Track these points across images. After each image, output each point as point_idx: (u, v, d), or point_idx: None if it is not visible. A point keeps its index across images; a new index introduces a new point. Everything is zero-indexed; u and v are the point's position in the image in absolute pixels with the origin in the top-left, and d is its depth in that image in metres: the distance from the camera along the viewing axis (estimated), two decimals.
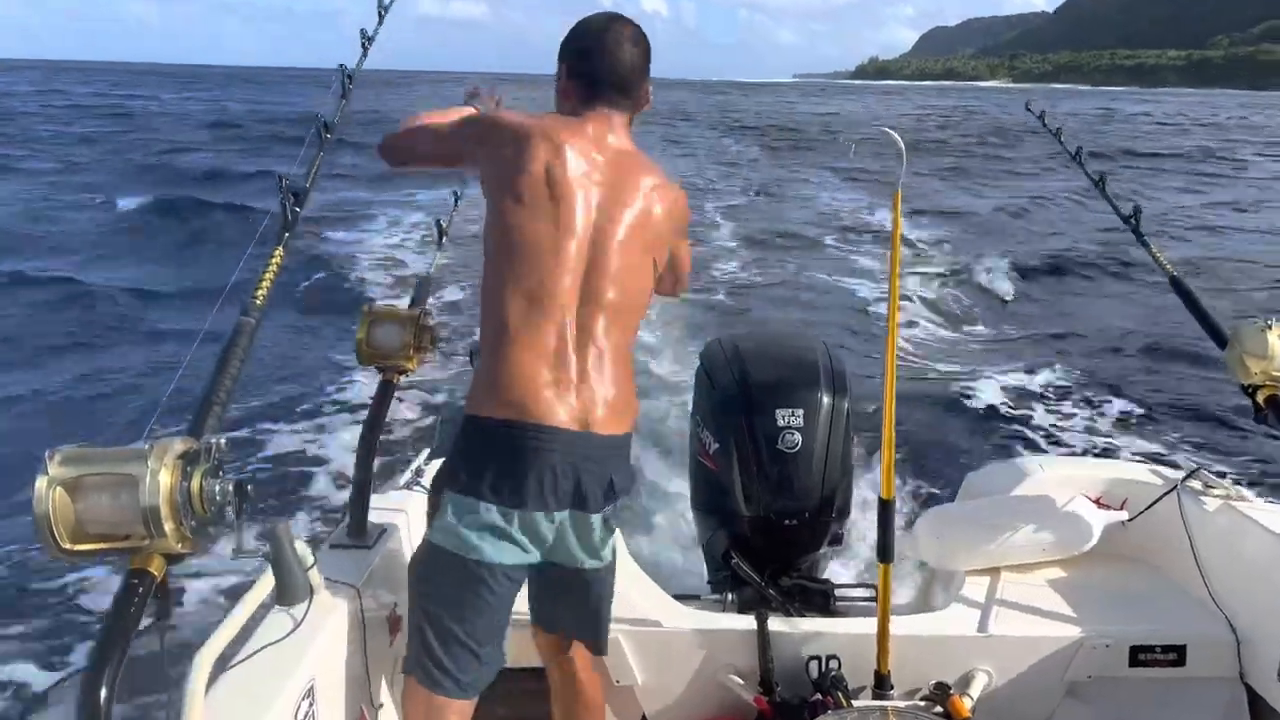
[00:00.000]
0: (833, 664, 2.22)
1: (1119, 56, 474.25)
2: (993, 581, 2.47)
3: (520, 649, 2.07)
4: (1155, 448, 6.69)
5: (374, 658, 2.00)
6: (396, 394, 2.29)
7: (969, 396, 7.71)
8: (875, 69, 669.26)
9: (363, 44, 2.38)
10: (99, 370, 7.95)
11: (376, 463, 2.24)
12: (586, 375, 1.78)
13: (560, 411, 1.74)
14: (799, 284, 12.14)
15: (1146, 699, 2.30)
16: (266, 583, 1.68)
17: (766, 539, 2.58)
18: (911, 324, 9.82)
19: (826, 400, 2.60)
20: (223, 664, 1.59)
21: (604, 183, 1.86)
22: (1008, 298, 11.43)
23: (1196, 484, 2.55)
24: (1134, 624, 2.32)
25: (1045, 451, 6.47)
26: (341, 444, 6.29)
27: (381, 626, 2.06)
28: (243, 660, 1.65)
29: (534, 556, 1.80)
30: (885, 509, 2.14)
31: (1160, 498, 2.56)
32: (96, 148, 26.58)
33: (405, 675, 1.86)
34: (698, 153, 29.54)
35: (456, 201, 2.82)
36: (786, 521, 2.55)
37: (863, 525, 3.05)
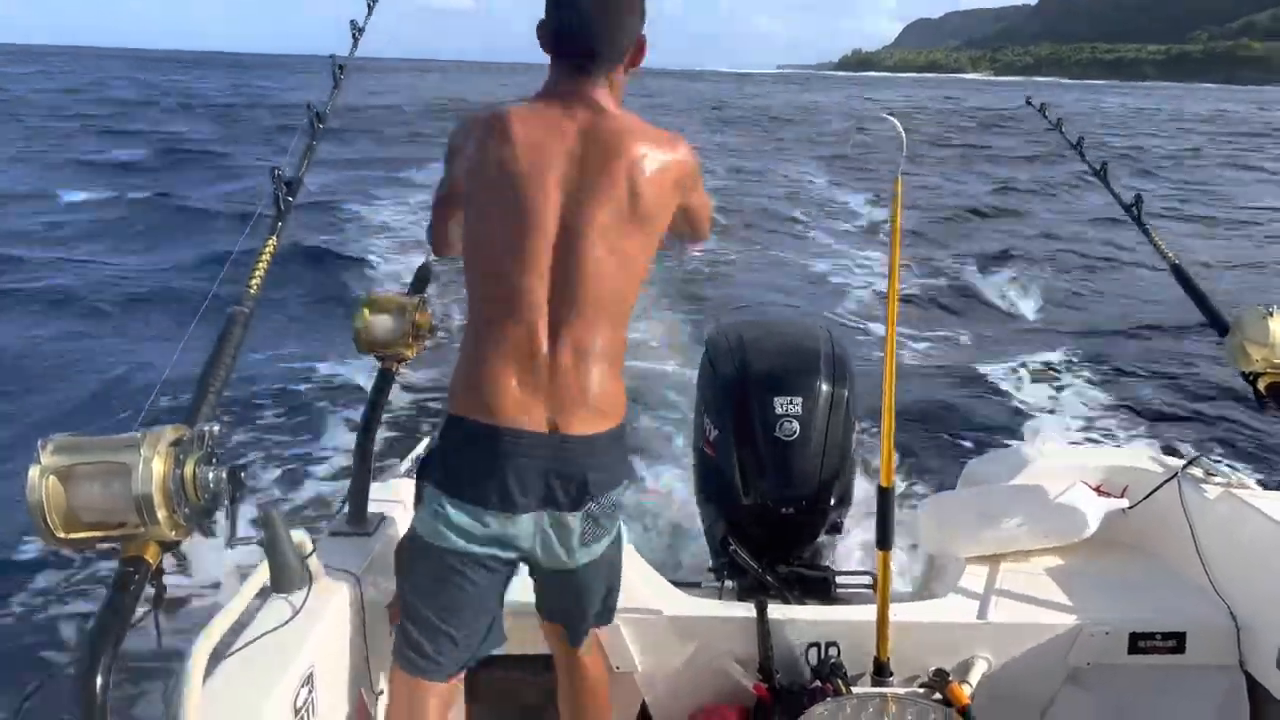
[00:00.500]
0: (832, 651, 2.22)
1: (1099, 50, 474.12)
2: (993, 569, 2.47)
3: (527, 636, 2.08)
4: (1156, 435, 6.68)
5: (374, 645, 2.00)
6: (396, 382, 2.29)
7: (969, 384, 7.70)
8: (858, 60, 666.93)
9: (353, 34, 2.36)
10: (92, 361, 7.93)
11: (376, 451, 2.24)
12: (559, 375, 1.74)
13: (528, 414, 1.73)
14: (796, 271, 12.14)
15: (1146, 686, 2.30)
16: (263, 571, 1.67)
17: (764, 527, 2.58)
18: (911, 311, 9.80)
19: (826, 388, 2.59)
20: (220, 652, 1.58)
21: (574, 166, 1.75)
22: (1008, 288, 11.40)
23: (1197, 471, 2.54)
24: (1134, 611, 2.32)
25: (1046, 439, 6.46)
26: (341, 432, 6.29)
27: (382, 614, 2.06)
28: (241, 648, 1.65)
29: (511, 554, 1.81)
30: (884, 496, 2.14)
31: (1161, 485, 2.55)
32: (75, 132, 26.47)
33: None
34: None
35: None
36: (784, 510, 2.54)
37: (863, 513, 3.04)
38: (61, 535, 1.25)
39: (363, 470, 2.22)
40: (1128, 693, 2.29)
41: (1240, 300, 2.63)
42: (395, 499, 2.37)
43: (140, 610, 1.27)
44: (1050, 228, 16.04)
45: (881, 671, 2.13)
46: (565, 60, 1.82)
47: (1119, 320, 10.10)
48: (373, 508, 2.24)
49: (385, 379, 2.26)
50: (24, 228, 13.69)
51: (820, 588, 2.58)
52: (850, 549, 3.63)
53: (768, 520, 2.56)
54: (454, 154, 1.86)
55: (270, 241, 1.85)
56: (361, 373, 7.11)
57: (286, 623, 1.72)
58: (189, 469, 1.27)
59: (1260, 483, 2.52)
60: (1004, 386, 7.72)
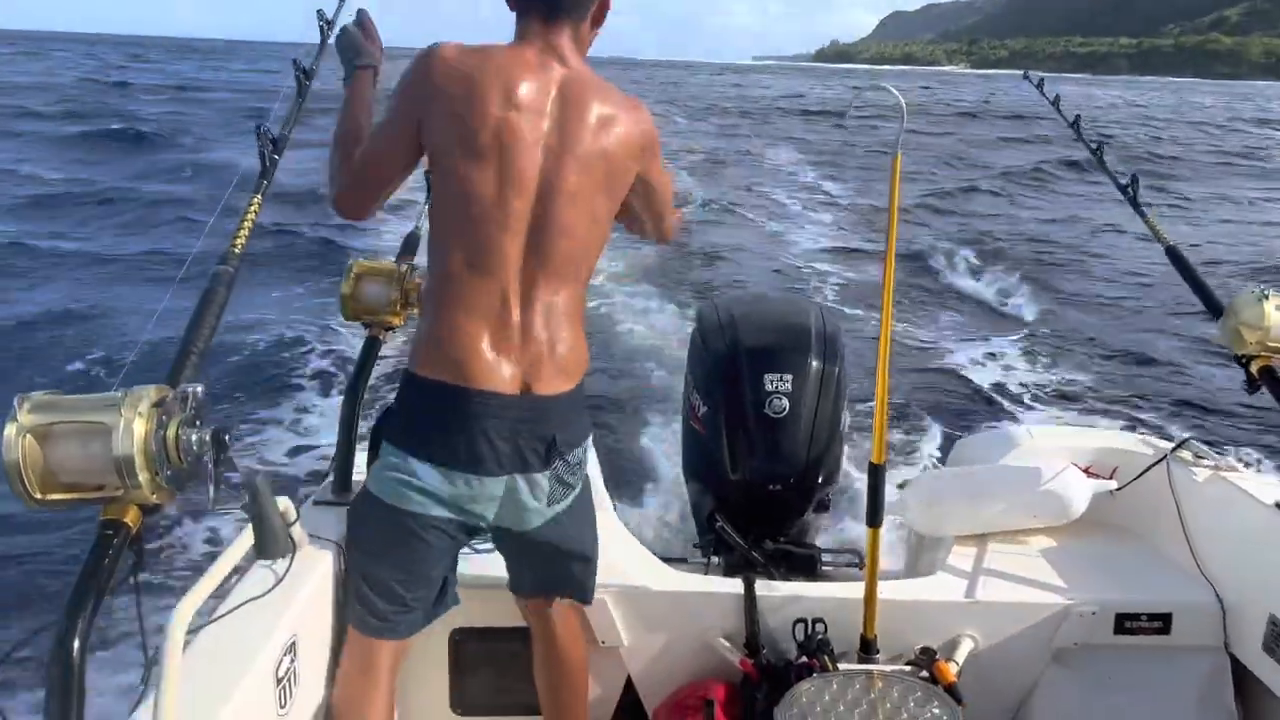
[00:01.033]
0: (818, 627, 2.21)
1: (1073, 44, 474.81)
2: (980, 548, 2.47)
3: (504, 608, 2.06)
4: (1146, 418, 6.71)
5: None
6: (382, 350, 2.26)
7: (960, 364, 7.72)
8: (835, 53, 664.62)
9: (320, 26, 2.25)
10: (70, 322, 7.84)
11: (362, 419, 2.21)
12: (531, 335, 1.72)
13: (500, 375, 1.70)
14: (780, 252, 12.12)
15: (1131, 666, 2.30)
16: (247, 537, 1.65)
17: (751, 504, 2.57)
18: (906, 293, 9.79)
19: (816, 365, 2.57)
20: (202, 618, 1.56)
21: (550, 122, 1.71)
22: (997, 272, 11.40)
23: (1186, 454, 2.55)
24: (1120, 592, 2.33)
25: (1036, 420, 6.48)
26: (326, 401, 6.24)
27: None
28: (223, 615, 1.63)
29: (471, 519, 1.78)
30: (876, 474, 2.12)
31: (1150, 467, 2.56)
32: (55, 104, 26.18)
33: None
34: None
35: None
36: (771, 486, 2.53)
37: (853, 491, 3.04)
38: (39, 496, 1.22)
39: (348, 439, 2.19)
40: (1113, 673, 2.30)
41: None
42: None
43: (120, 575, 1.24)
44: (1039, 213, 16.07)
45: (868, 649, 2.13)
46: (533, 12, 1.78)
47: (1109, 304, 10.14)
48: (358, 476, 2.21)
49: (372, 346, 2.23)
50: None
51: (806, 565, 2.57)
52: (838, 525, 3.63)
53: (755, 497, 2.55)
54: (414, 95, 1.73)
55: (255, 200, 1.81)
56: (347, 341, 7.07)
57: (270, 590, 1.70)
58: (172, 430, 1.23)
59: (1248, 466, 2.53)
60: (996, 366, 7.74)
